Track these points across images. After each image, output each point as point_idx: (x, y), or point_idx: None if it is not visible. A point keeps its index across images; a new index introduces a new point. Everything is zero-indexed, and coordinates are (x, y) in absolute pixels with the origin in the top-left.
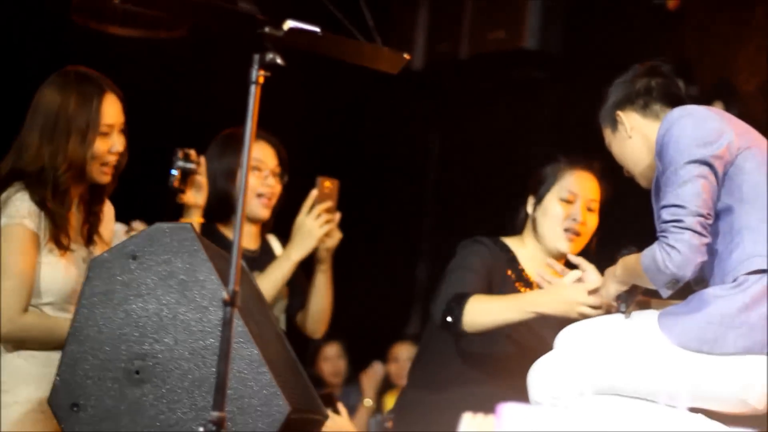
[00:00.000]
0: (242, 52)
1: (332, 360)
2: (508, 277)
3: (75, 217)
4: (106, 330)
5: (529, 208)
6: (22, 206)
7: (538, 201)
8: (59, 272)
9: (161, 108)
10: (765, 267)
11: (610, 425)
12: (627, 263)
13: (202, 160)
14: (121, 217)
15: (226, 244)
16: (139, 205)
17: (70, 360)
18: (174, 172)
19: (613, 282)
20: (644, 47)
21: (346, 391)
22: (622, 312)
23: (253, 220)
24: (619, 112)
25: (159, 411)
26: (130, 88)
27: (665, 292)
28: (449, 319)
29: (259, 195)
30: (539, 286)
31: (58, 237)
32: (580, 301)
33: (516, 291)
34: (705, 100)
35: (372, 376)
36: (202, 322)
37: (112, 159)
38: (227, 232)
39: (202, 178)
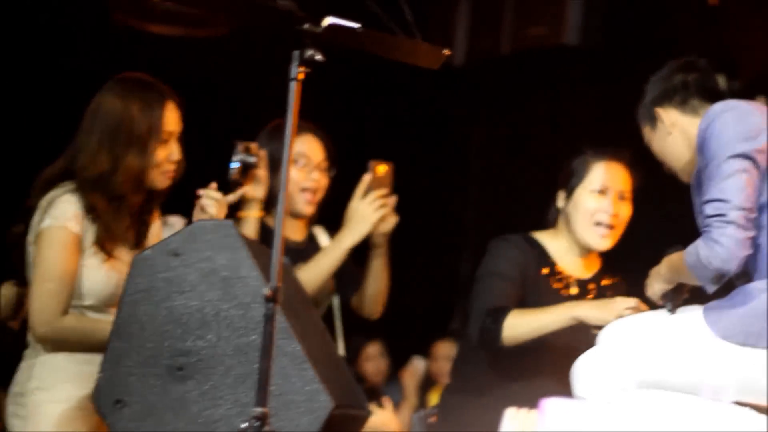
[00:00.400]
0: (282, 49)
1: (374, 359)
2: (541, 276)
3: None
4: (149, 327)
5: (560, 203)
6: (68, 209)
7: (569, 195)
8: (101, 275)
9: (204, 106)
10: None
11: (654, 419)
12: (672, 261)
13: (263, 153)
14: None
15: (271, 236)
16: (187, 201)
17: (113, 357)
18: (234, 165)
19: (658, 281)
20: (685, 42)
21: (388, 388)
22: (669, 311)
23: (296, 216)
24: (658, 109)
25: (202, 407)
26: (172, 87)
27: (710, 288)
28: (487, 337)
29: (304, 190)
30: (574, 280)
31: (104, 243)
32: (616, 307)
33: (551, 288)
34: (747, 94)
35: (412, 372)
36: (244, 319)
37: (171, 167)
38: (273, 224)
39: (262, 172)
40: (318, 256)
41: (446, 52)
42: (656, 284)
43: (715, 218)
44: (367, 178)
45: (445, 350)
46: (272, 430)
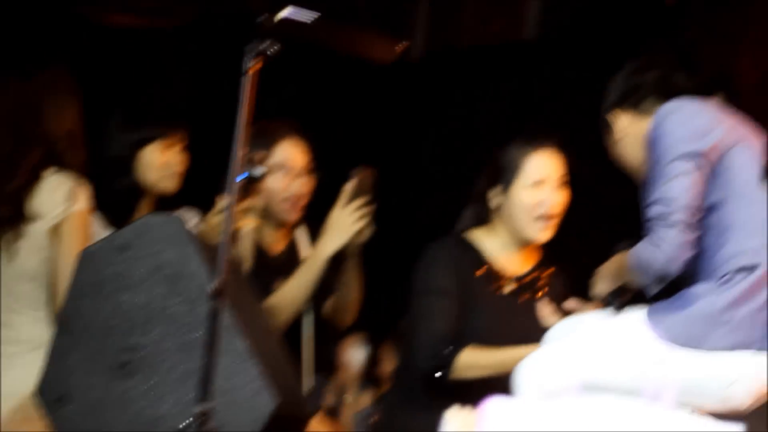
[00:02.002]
0: (238, 41)
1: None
2: (476, 278)
3: None
4: (95, 322)
5: (496, 199)
6: (81, 191)
7: (505, 190)
8: None
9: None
10: (752, 264)
11: (594, 421)
12: (617, 261)
13: (269, 164)
14: None
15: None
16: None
17: (58, 352)
18: (241, 177)
19: (603, 280)
20: (644, 39)
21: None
22: (614, 310)
23: (280, 225)
24: (611, 114)
25: (146, 404)
26: (129, 78)
27: (653, 289)
28: (435, 370)
29: (285, 200)
30: (509, 278)
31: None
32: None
33: (487, 293)
34: (705, 93)
35: (350, 368)
36: (190, 315)
37: None
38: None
39: (264, 184)
40: (299, 272)
41: (401, 45)
42: (602, 283)
43: (658, 220)
44: (349, 186)
45: (390, 355)
46: (213, 428)
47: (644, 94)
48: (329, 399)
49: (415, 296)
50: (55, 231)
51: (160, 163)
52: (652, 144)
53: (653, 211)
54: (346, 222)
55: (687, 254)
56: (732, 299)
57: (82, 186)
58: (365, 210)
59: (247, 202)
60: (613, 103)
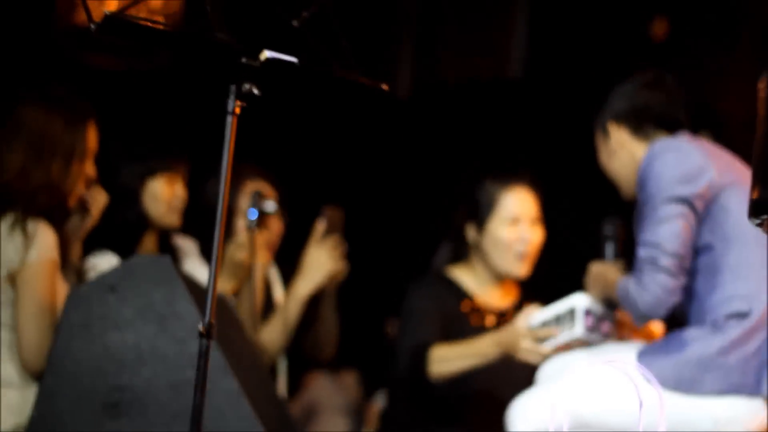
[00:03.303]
0: (220, 83)
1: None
2: (461, 313)
3: None
4: (84, 362)
5: (471, 236)
6: (50, 238)
7: (480, 228)
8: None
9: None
10: (745, 310)
11: None
12: (608, 282)
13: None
14: None
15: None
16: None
17: (47, 393)
18: (253, 215)
19: (597, 290)
20: (630, 76)
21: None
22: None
23: None
24: (611, 124)
25: None
26: (109, 118)
27: (639, 323)
28: (416, 372)
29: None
30: (491, 312)
31: (66, 257)
32: (521, 332)
33: (468, 323)
34: (692, 129)
35: (375, 407)
36: (180, 355)
37: (84, 185)
38: None
39: (275, 218)
40: (278, 314)
41: (385, 86)
42: (597, 292)
43: (647, 262)
44: (321, 225)
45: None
46: None
47: (646, 119)
48: None
49: (402, 320)
50: (12, 279)
51: (168, 196)
52: (644, 182)
53: (642, 252)
54: (322, 260)
55: (674, 299)
56: (724, 345)
57: (45, 234)
58: (339, 249)
59: (264, 237)
60: (615, 114)
